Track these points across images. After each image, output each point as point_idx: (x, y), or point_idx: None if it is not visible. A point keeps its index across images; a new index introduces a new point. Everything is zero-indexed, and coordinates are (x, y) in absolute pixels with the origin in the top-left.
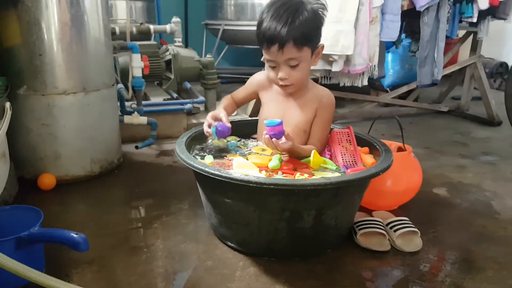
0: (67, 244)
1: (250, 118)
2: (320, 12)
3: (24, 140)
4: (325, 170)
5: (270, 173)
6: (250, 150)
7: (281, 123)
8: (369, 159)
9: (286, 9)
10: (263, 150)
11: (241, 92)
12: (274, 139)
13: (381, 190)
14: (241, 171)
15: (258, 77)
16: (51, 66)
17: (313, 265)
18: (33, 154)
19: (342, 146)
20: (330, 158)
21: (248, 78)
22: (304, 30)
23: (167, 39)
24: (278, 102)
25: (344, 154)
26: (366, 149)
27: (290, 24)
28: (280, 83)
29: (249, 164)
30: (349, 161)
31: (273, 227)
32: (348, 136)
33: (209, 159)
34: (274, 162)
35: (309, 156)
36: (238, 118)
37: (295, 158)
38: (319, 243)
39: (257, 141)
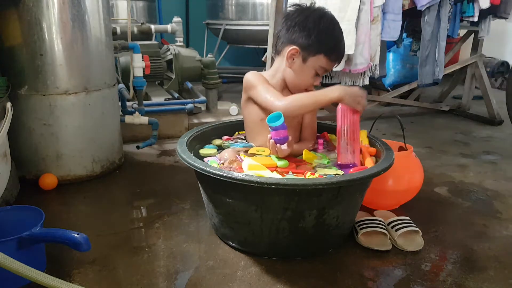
0: (68, 244)
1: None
2: None
3: (25, 140)
4: (325, 167)
5: (281, 172)
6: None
7: (283, 124)
8: (369, 163)
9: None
10: (258, 150)
11: (271, 89)
12: (278, 145)
13: (383, 189)
14: (253, 173)
15: (259, 74)
16: (52, 66)
17: (315, 264)
18: (34, 154)
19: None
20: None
21: None
22: None
23: (168, 38)
24: None
25: (345, 135)
26: (373, 149)
27: None
28: (312, 87)
29: (259, 166)
30: (345, 148)
31: (275, 227)
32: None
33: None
34: (282, 161)
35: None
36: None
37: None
38: (320, 242)
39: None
